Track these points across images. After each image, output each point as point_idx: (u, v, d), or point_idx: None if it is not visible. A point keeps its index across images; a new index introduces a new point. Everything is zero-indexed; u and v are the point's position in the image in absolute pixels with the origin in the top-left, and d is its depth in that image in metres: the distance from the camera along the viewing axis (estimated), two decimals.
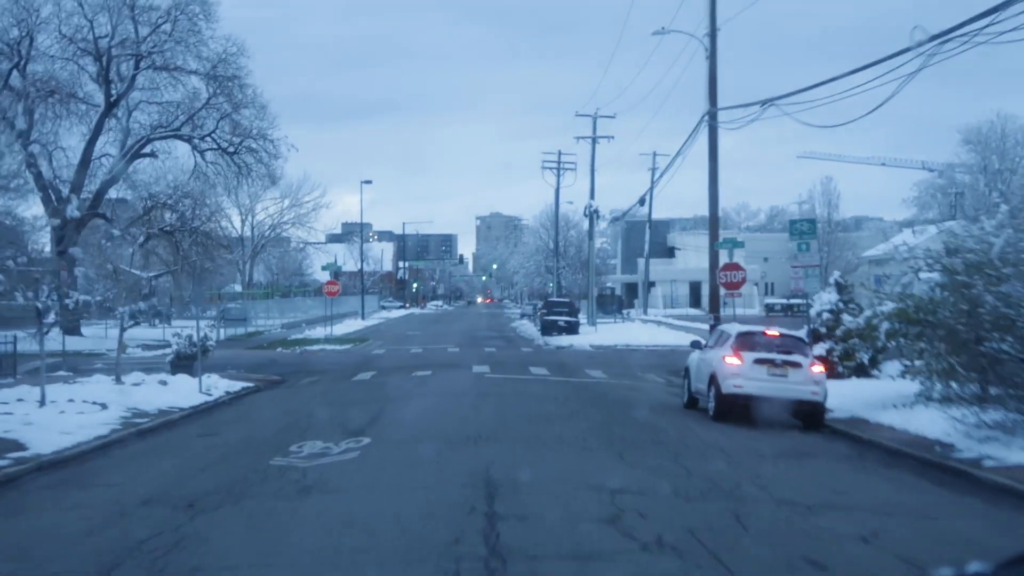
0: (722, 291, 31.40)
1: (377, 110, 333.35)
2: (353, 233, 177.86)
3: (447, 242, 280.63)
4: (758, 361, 18.56)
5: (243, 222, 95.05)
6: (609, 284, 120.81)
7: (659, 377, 29.75)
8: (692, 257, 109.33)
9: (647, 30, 39.94)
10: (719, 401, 18.50)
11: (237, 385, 27.09)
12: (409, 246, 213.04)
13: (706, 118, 30.89)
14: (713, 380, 18.83)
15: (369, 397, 22.73)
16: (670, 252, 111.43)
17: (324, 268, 56.33)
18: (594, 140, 67.25)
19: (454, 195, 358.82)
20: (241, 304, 76.60)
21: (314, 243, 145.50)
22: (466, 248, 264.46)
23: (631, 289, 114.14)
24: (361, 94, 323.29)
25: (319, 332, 61.64)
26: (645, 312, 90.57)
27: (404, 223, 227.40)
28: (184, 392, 24.26)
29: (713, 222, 32.51)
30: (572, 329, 56.87)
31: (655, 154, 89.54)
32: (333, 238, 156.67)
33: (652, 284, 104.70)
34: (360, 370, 31.77)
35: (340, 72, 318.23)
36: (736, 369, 18.44)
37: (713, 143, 31.10)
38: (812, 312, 27.16)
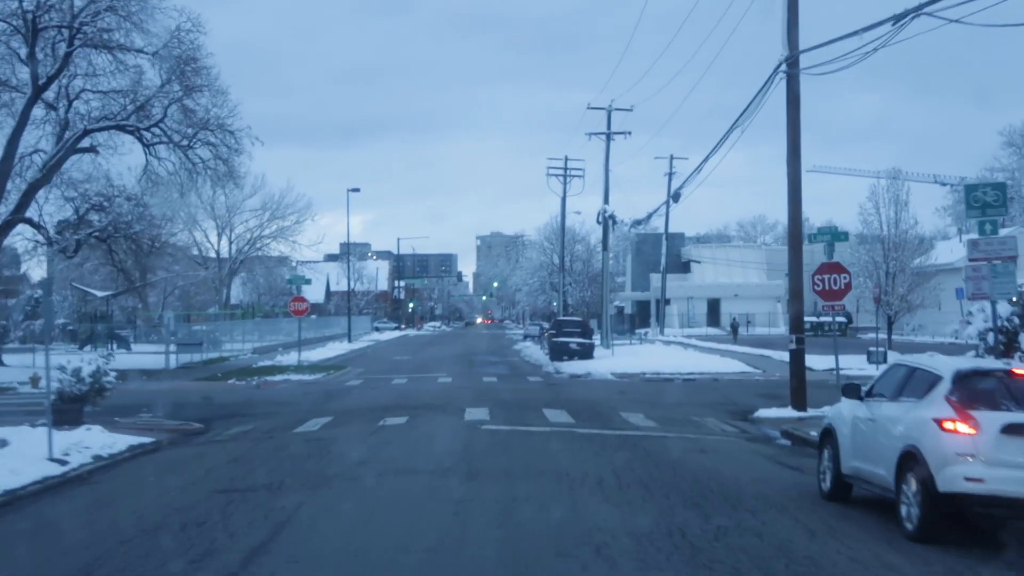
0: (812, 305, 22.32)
1: (378, 130, 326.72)
2: (348, 252, 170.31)
3: (446, 261, 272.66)
4: (1012, 430, 9.83)
5: (219, 235, 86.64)
6: (617, 303, 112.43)
7: (725, 423, 21.42)
8: (709, 271, 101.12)
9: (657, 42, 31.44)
10: (931, 506, 9.80)
11: (122, 443, 18.63)
12: (407, 265, 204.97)
13: (783, 68, 22.47)
14: (912, 463, 10.25)
15: (291, 474, 14.28)
16: (685, 267, 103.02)
17: (289, 282, 47.81)
18: (609, 136, 58.92)
19: (456, 215, 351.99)
20: (210, 326, 68.24)
21: (306, 261, 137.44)
22: (466, 268, 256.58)
23: (643, 308, 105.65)
24: (361, 114, 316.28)
25: (292, 358, 53.44)
26: (662, 332, 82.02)
27: (399, 239, 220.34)
28: (22, 459, 15.86)
29: (795, 206, 23.94)
30: (586, 353, 48.42)
31: (672, 157, 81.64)
32: (331, 258, 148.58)
33: (667, 302, 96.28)
34: (314, 414, 23.33)
35: (339, 91, 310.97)
36: (969, 444, 9.77)
37: (793, 98, 22.68)
38: (971, 330, 18.51)
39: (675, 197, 37.09)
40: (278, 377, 39.88)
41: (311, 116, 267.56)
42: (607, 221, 57.19)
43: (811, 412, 22.51)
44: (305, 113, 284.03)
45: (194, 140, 46.01)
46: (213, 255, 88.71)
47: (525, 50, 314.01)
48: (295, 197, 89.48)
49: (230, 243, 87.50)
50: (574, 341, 49.11)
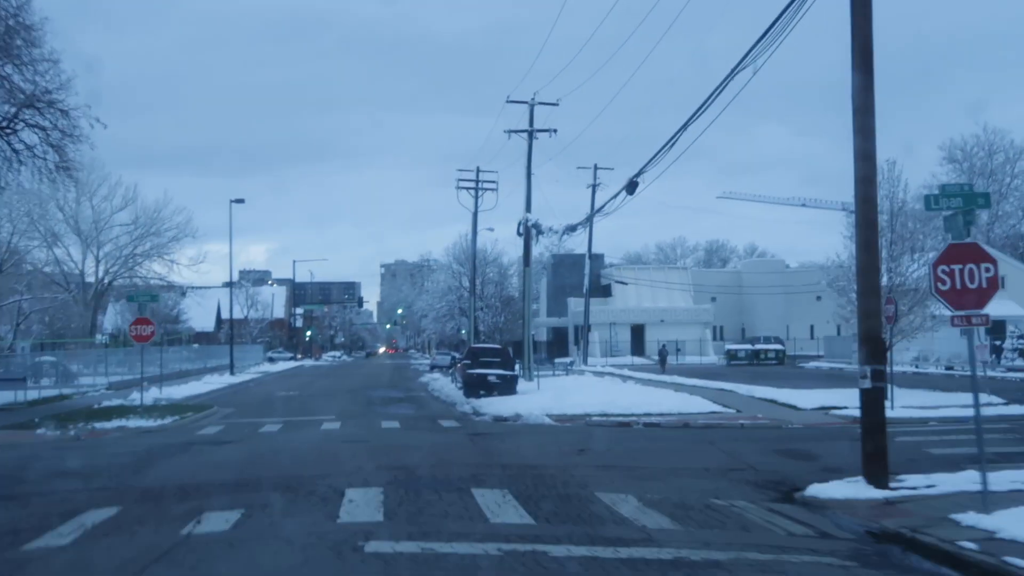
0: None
1: (279, 157, 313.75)
2: (246, 279, 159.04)
3: (349, 289, 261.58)
4: None
5: (84, 253, 76.00)
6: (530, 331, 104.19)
7: (774, 512, 12.95)
8: (632, 295, 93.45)
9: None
10: None
11: None
12: (308, 294, 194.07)
13: None
14: None
15: None
16: (605, 290, 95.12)
17: (130, 299, 38.06)
18: (531, 133, 50.57)
19: (360, 244, 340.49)
20: (61, 357, 57.94)
21: (198, 287, 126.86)
22: (370, 298, 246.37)
23: (559, 335, 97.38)
24: (260, 141, 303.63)
25: (152, 394, 43.83)
26: (585, 362, 73.69)
27: (294, 261, 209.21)
28: None
29: (864, 142, 15.30)
30: (508, 387, 39.86)
31: (596, 167, 74.01)
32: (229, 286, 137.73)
33: (583, 328, 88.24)
34: (97, 500, 14.14)
35: (238, 118, 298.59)
36: None
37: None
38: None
39: (630, 188, 28.80)
40: (114, 423, 30.43)
41: (209, 143, 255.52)
42: (529, 231, 48.70)
43: (901, 490, 14.21)
44: (202, 140, 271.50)
45: (16, 119, 36.44)
46: (79, 275, 78.20)
47: (430, 77, 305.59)
48: (173, 211, 79.45)
49: (97, 262, 76.94)
50: (493, 373, 40.50)
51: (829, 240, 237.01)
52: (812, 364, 71.13)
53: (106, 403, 39.03)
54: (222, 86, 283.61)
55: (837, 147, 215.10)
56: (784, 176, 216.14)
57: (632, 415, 30.18)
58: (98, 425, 30.05)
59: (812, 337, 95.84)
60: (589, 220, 48.92)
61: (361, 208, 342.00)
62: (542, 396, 36.80)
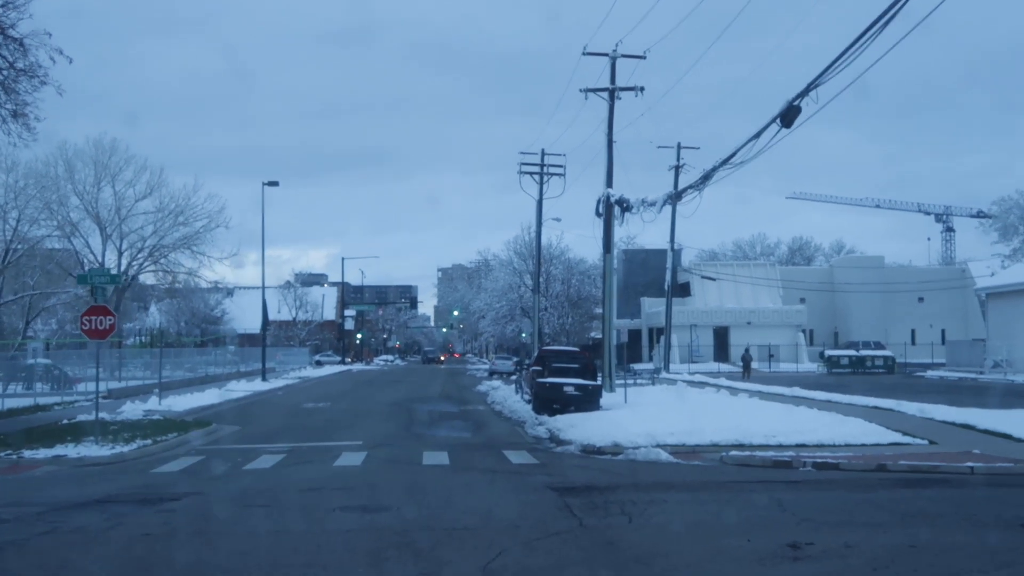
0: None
1: (343, 164, 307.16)
2: (299, 280, 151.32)
3: (406, 293, 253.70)
4: None
5: (104, 244, 67.95)
6: (597, 334, 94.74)
7: None
8: (713, 295, 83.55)
9: None
10: None
11: None
12: (364, 297, 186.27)
13: None
14: None
15: None
16: (684, 289, 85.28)
17: (80, 279, 29.18)
18: (613, 92, 41.42)
19: (418, 251, 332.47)
20: (59, 359, 49.85)
21: (246, 287, 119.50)
22: (428, 303, 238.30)
23: (632, 339, 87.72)
24: (322, 148, 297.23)
25: (148, 405, 35.66)
26: (667, 369, 64.14)
27: (343, 258, 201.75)
28: None
29: None
30: (589, 401, 30.82)
31: (679, 146, 64.64)
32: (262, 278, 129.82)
33: (660, 331, 78.81)
34: None
35: (304, 126, 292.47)
36: None
37: None
38: None
39: (787, 118, 19.79)
40: (56, 451, 22.00)
41: (270, 149, 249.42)
42: (610, 209, 39.49)
43: None
44: (262, 146, 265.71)
45: None
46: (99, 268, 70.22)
47: (489, 85, 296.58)
48: (204, 198, 71.27)
49: (119, 253, 68.79)
50: (571, 384, 31.45)
51: (907, 243, 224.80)
52: (934, 374, 61.02)
53: (81, 417, 30.50)
54: (283, 92, 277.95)
55: (908, 151, 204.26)
56: (853, 180, 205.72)
57: (782, 446, 21.03)
58: (29, 454, 21.61)
59: (914, 343, 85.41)
60: (673, 203, 39.32)
61: (421, 215, 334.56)
62: (634, 414, 27.56)
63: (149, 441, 23.88)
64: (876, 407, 29.50)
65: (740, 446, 21.10)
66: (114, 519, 12.06)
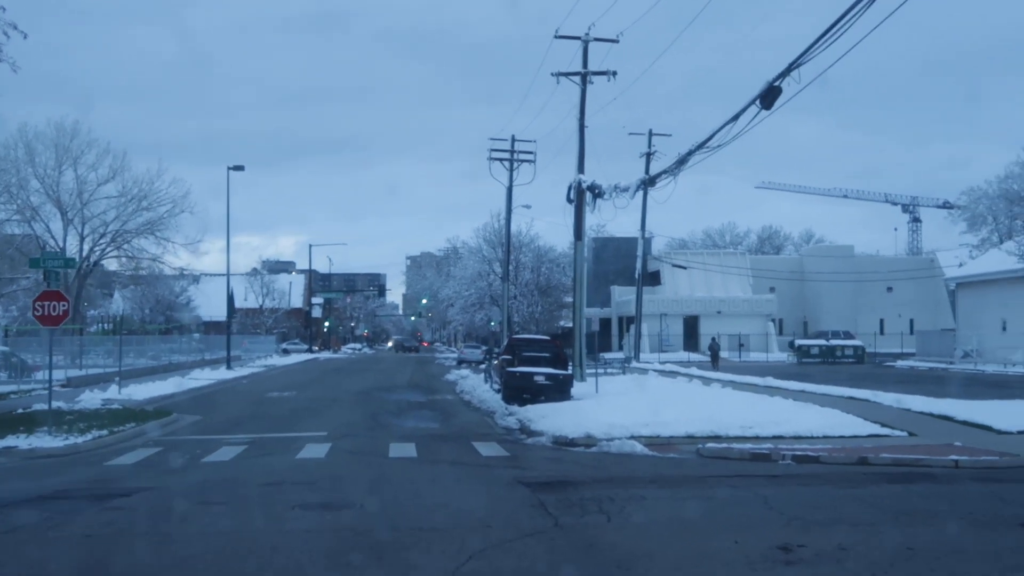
0: None
1: (312, 152, 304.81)
2: (266, 268, 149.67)
3: (374, 281, 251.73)
4: None
5: (66, 228, 66.52)
6: (566, 323, 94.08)
7: None
8: (684, 284, 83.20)
9: None
10: None
11: None
12: (333, 285, 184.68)
13: None
14: None
15: None
16: (654, 278, 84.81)
17: (32, 263, 28.15)
18: (585, 77, 40.74)
19: (386, 239, 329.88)
20: (7, 341, 48.61)
21: (211, 274, 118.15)
22: (396, 291, 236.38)
23: (602, 328, 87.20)
24: (290, 135, 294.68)
25: (108, 394, 34.71)
26: (638, 358, 63.66)
27: (310, 245, 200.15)
28: None
29: None
30: (560, 391, 30.19)
31: (651, 132, 64.10)
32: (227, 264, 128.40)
33: (630, 320, 78.45)
34: None
35: (272, 113, 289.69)
36: None
37: None
38: None
39: (767, 99, 19.19)
40: (6, 441, 21.07)
41: (235, 135, 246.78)
42: (582, 195, 38.83)
43: None
44: (228, 132, 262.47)
45: None
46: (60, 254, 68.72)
47: (458, 72, 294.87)
48: (168, 182, 69.84)
49: (81, 238, 67.35)
50: (541, 373, 30.79)
51: (875, 234, 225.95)
52: (904, 364, 60.84)
53: (37, 407, 29.50)
54: (250, 79, 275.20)
55: (875, 142, 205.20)
56: (820, 170, 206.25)
57: (759, 437, 20.48)
58: None
59: (882, 332, 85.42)
60: (644, 190, 38.64)
61: (389, 203, 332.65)
62: (606, 404, 26.92)
63: (105, 432, 22.99)
64: (852, 397, 29.03)
65: (716, 438, 20.53)
66: (57, 518, 11.26)
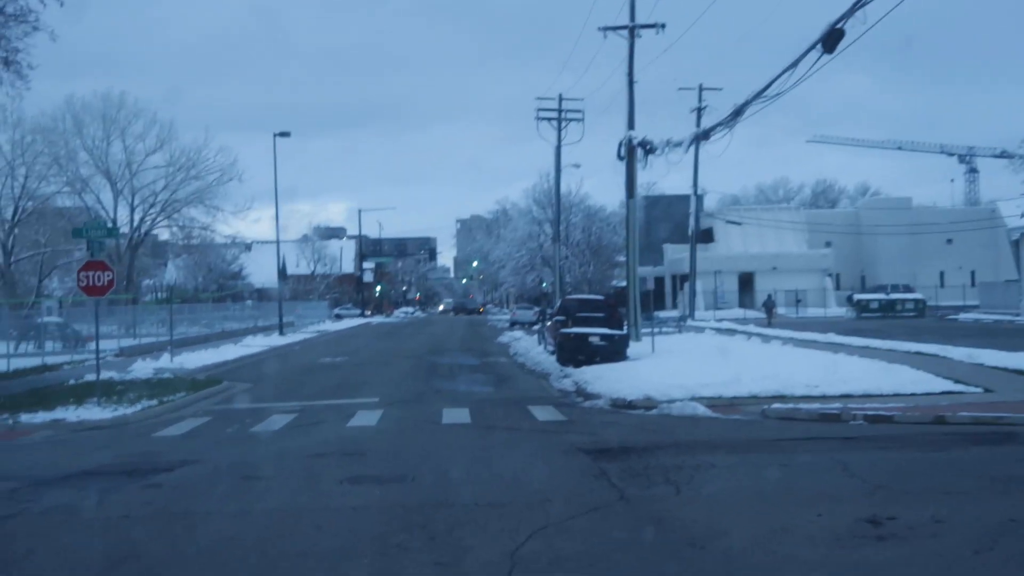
0: None
1: (360, 118, 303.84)
2: (317, 234, 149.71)
3: (425, 244, 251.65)
4: None
5: (116, 199, 66.79)
6: (619, 282, 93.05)
7: None
8: (737, 240, 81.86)
9: None
10: None
11: None
12: (383, 249, 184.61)
13: None
14: None
15: None
16: (707, 235, 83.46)
17: (75, 233, 27.88)
18: (633, 30, 39.62)
19: (436, 203, 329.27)
20: (67, 316, 48.67)
21: (263, 241, 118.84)
22: (447, 254, 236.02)
23: (656, 285, 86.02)
24: (338, 101, 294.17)
25: (160, 363, 34.61)
26: (692, 316, 62.65)
27: (360, 210, 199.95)
28: None
29: None
30: (615, 351, 29.36)
31: (701, 87, 62.70)
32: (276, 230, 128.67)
33: (683, 278, 77.34)
34: None
35: (320, 80, 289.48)
36: None
37: None
38: None
39: (830, 42, 18.16)
40: (55, 413, 20.85)
41: (284, 106, 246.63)
42: (633, 152, 37.89)
43: None
44: (276, 103, 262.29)
45: None
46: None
47: (503, 33, 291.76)
48: (215, 151, 69.94)
49: (131, 209, 67.66)
50: (596, 333, 30.00)
51: (929, 186, 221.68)
52: (967, 316, 59.24)
53: (89, 377, 29.26)
54: (297, 46, 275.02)
55: (929, 91, 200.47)
56: (873, 122, 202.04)
57: (826, 397, 19.56)
58: (27, 418, 20.43)
59: (942, 285, 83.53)
60: (705, 133, 37.47)
61: (437, 167, 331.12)
62: (663, 364, 26.17)
63: (155, 402, 22.64)
64: (919, 352, 27.97)
65: (781, 397, 19.66)
66: (94, 497, 10.74)
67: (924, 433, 14.56)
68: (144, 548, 8.30)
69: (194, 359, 36.98)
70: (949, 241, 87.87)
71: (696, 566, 7.29)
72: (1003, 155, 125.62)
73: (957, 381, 21.17)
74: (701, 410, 18.33)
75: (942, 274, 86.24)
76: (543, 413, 18.88)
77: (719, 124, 26.37)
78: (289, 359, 39.44)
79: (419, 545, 7.99)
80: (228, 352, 41.60)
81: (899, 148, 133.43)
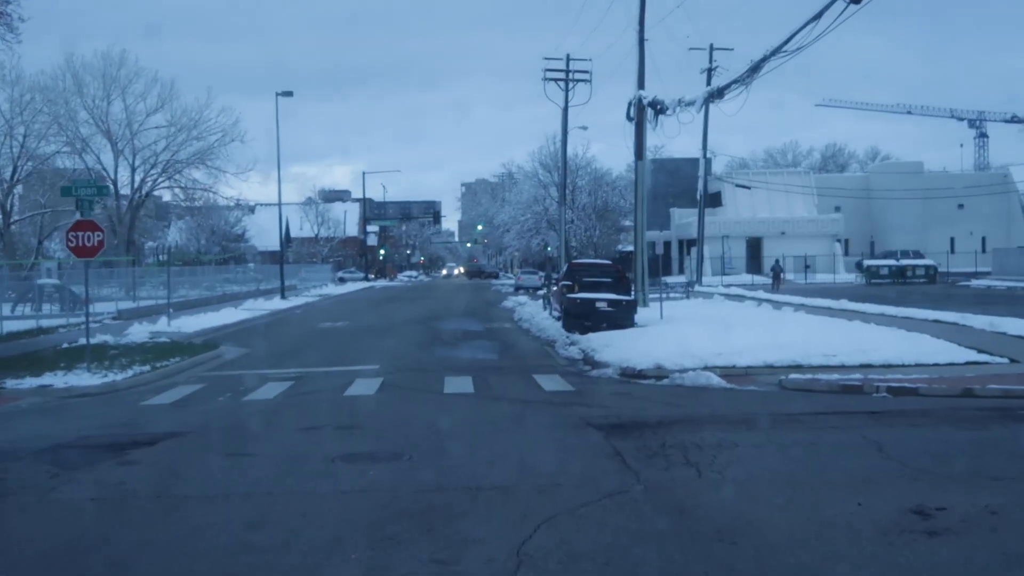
0: None
1: (365, 78, 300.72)
2: (322, 197, 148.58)
3: (429, 208, 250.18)
4: None
5: (116, 159, 65.63)
6: (625, 247, 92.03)
7: None
8: (746, 204, 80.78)
9: None
10: None
11: None
12: (388, 213, 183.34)
13: None
14: None
15: None
16: (714, 200, 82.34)
17: (64, 191, 26.79)
18: None
19: (442, 166, 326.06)
20: (67, 278, 47.79)
21: (267, 204, 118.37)
22: (452, 218, 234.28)
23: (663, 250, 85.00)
24: (343, 62, 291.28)
25: (158, 327, 33.82)
26: (700, 281, 61.75)
27: (364, 172, 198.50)
28: None
29: None
30: (623, 317, 28.49)
31: (712, 47, 61.46)
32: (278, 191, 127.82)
33: (691, 243, 76.44)
34: None
35: (324, 38, 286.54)
36: None
37: None
38: None
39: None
40: (43, 379, 20.01)
41: (288, 66, 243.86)
42: (642, 112, 36.81)
43: None
44: (281, 63, 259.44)
45: None
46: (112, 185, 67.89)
47: None
48: (217, 111, 68.67)
49: (132, 170, 66.46)
50: (604, 299, 29.10)
51: (939, 151, 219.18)
52: (980, 283, 58.27)
53: (83, 340, 28.46)
54: (302, 8, 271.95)
55: (939, 55, 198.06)
56: (883, 86, 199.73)
57: (844, 367, 18.77)
58: (13, 383, 19.64)
59: (952, 251, 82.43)
60: (719, 91, 36.35)
61: (442, 130, 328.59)
62: (673, 331, 25.27)
63: (147, 368, 21.81)
64: (937, 320, 27.06)
65: (798, 367, 18.82)
66: (64, 475, 9.91)
67: (954, 408, 13.70)
68: (108, 538, 7.46)
69: (193, 323, 36.18)
70: (960, 206, 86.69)
71: (727, 565, 6.44)
72: (1013, 120, 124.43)
73: (981, 351, 20.29)
74: (715, 380, 17.49)
75: (952, 240, 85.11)
76: (549, 383, 18.04)
77: (735, 81, 25.36)
78: (289, 324, 38.64)
79: (415, 537, 7.15)
80: (228, 316, 40.76)
81: (908, 112, 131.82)
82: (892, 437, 10.89)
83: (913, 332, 23.42)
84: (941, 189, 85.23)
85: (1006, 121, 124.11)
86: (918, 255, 74.56)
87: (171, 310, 37.68)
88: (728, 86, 25.96)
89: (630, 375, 19.16)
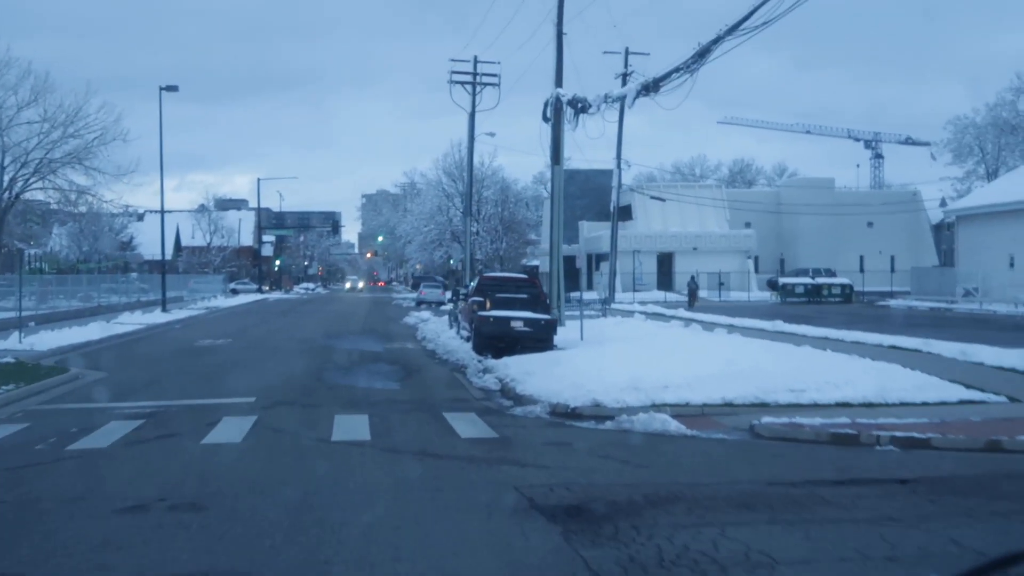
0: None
1: (267, 86, 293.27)
2: (216, 205, 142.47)
3: (329, 219, 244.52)
4: None
5: None
6: (531, 261, 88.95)
7: None
8: (657, 218, 78.27)
9: None
10: None
11: None
12: (287, 222, 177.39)
13: None
14: None
15: None
16: (625, 213, 79.57)
17: None
18: None
19: (342, 176, 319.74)
20: None
21: (155, 211, 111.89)
22: (352, 229, 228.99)
23: (568, 266, 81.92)
24: (247, 70, 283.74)
25: (11, 342, 29.50)
26: (613, 298, 58.77)
27: (259, 179, 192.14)
28: None
29: None
30: (542, 339, 25.23)
31: (627, 51, 58.74)
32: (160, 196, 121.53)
33: (600, 258, 73.72)
34: None
35: (226, 47, 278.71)
36: None
37: None
38: None
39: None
40: None
41: (184, 68, 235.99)
42: (560, 112, 33.50)
43: None
44: (176, 65, 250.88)
45: None
46: None
47: (417, 5, 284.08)
48: (98, 107, 63.33)
49: (1, 168, 61.02)
50: (520, 318, 25.73)
51: (836, 171, 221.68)
52: (899, 303, 56.39)
53: None
54: (195, 9, 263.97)
55: (835, 80, 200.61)
56: (779, 108, 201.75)
57: (818, 405, 15.66)
58: None
59: (862, 270, 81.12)
60: (655, 83, 33.14)
61: (344, 140, 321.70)
62: (599, 355, 21.82)
63: None
64: (897, 347, 24.17)
65: (763, 406, 15.64)
66: None
67: (1001, 472, 10.48)
68: None
69: (52, 339, 31.72)
70: (870, 224, 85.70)
71: None
72: (908, 141, 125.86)
73: (969, 387, 17.29)
74: (672, 425, 14.08)
75: (862, 258, 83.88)
76: (466, 426, 14.45)
77: (676, 70, 22.09)
78: (163, 340, 34.33)
79: None
80: (95, 331, 36.17)
81: (807, 132, 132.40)
82: (971, 532, 7.54)
83: (879, 361, 20.38)
84: (851, 206, 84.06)
85: (900, 143, 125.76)
86: (831, 273, 72.98)
87: (28, 324, 33.15)
88: (669, 74, 22.66)
89: (562, 414, 15.69)
